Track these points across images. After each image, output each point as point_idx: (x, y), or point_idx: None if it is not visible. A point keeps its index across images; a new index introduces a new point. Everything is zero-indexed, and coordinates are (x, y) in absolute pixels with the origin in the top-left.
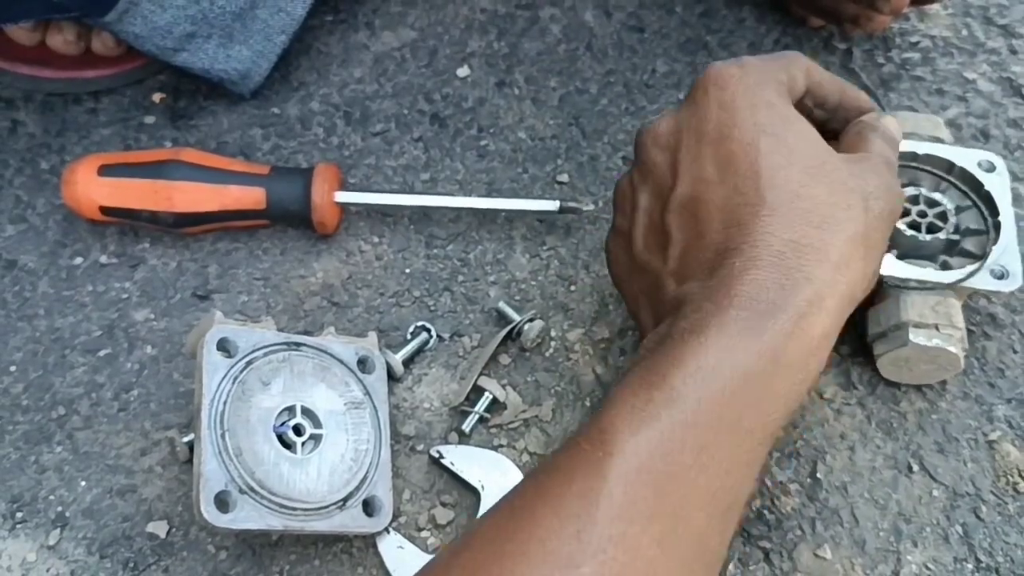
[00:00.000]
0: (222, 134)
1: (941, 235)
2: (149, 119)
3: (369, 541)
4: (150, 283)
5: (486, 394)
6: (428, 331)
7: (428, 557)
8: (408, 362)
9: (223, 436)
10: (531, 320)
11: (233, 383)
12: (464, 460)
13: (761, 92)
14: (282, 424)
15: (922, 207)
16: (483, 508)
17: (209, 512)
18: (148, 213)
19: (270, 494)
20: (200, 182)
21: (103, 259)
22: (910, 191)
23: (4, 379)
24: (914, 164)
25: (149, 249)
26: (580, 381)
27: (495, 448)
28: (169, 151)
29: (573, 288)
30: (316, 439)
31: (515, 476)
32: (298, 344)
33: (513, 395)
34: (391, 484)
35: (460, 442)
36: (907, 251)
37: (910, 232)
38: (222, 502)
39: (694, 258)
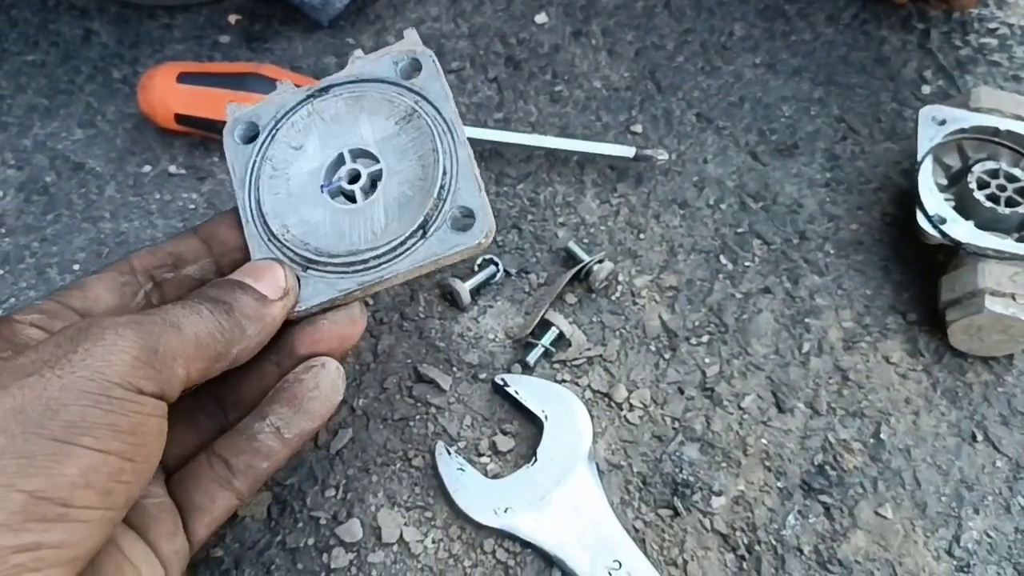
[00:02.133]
0: (296, 59)
1: (1020, 209)
2: (224, 39)
3: (428, 460)
4: (217, 196)
5: (552, 328)
6: (496, 264)
7: (488, 481)
8: (475, 292)
9: (265, 223)
10: (600, 261)
11: (261, 162)
12: (528, 389)
13: None
14: (336, 180)
15: (1001, 181)
16: (545, 437)
17: None
18: (223, 124)
19: (330, 257)
20: None
21: (171, 169)
22: (990, 165)
23: (67, 277)
24: (996, 139)
25: (218, 164)
26: (646, 326)
27: (559, 383)
28: (250, 64)
29: (642, 236)
30: (376, 176)
31: (579, 409)
32: (322, 89)
33: (578, 333)
34: (480, 185)
35: (523, 374)
36: (985, 222)
37: (989, 204)
38: None
39: None
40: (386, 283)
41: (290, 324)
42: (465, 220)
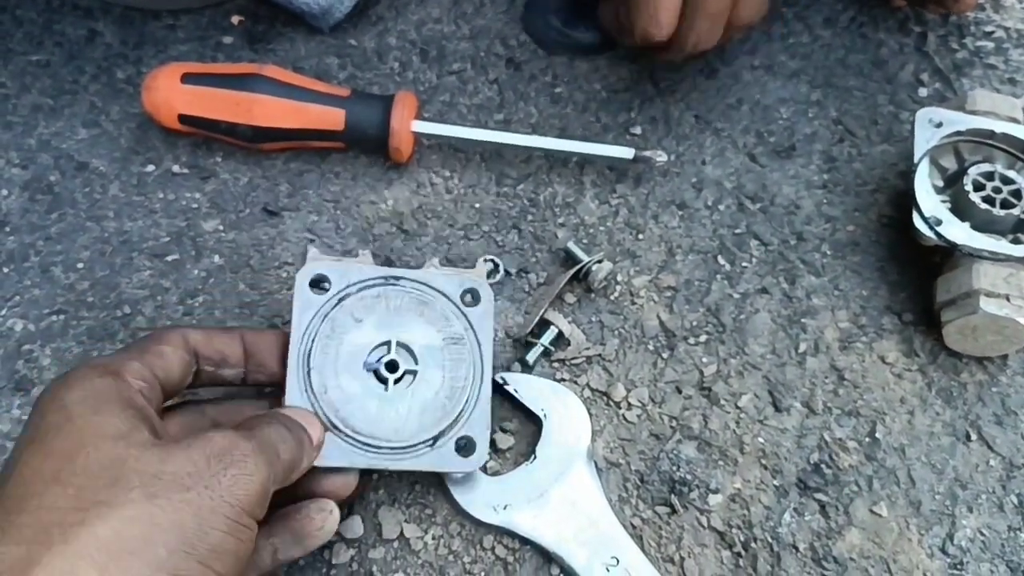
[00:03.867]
0: (299, 60)
1: (1015, 211)
2: (227, 40)
3: None
4: (221, 195)
5: (552, 328)
6: (495, 264)
7: (487, 479)
8: None
9: (308, 374)
10: (599, 262)
11: (323, 320)
12: (527, 388)
13: (67, 391)
14: (377, 360)
15: (997, 183)
16: (545, 435)
17: None
18: (226, 124)
19: (354, 432)
20: (281, 98)
21: (175, 168)
22: (985, 167)
23: (71, 275)
24: (991, 142)
25: (221, 163)
26: (644, 325)
27: (558, 382)
28: (253, 65)
29: (641, 236)
30: (412, 375)
31: (578, 408)
32: (397, 278)
33: (577, 332)
34: (488, 423)
35: (523, 372)
36: (980, 224)
37: (984, 206)
38: None
39: None
40: (388, 470)
41: None
42: (467, 448)
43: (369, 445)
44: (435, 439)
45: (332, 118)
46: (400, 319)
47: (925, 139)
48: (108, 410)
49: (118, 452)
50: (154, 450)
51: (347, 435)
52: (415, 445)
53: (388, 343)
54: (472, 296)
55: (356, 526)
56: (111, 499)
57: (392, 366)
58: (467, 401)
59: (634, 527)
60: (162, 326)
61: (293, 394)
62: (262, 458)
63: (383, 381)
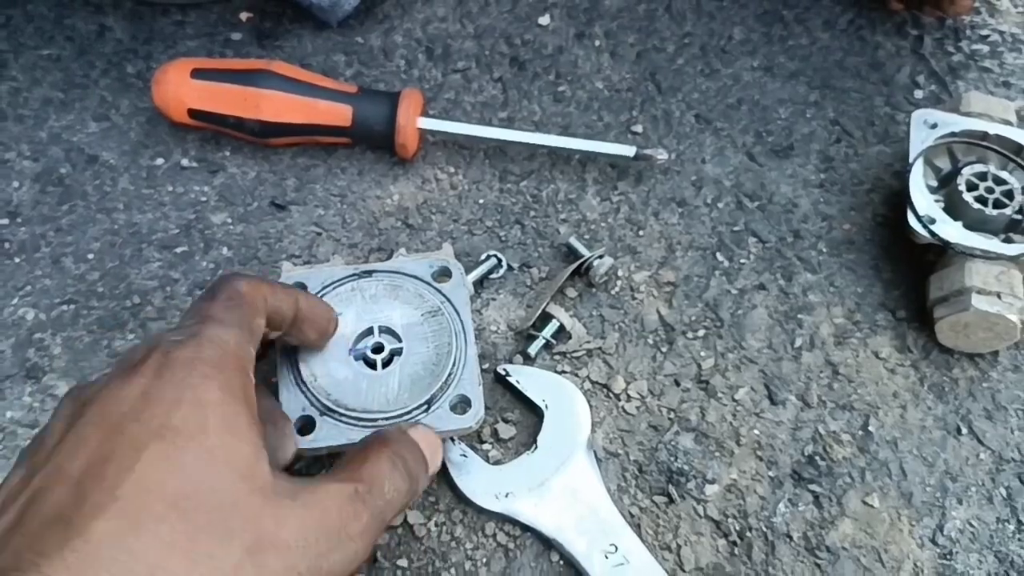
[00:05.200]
0: (306, 56)
1: (1007, 211)
2: (235, 36)
3: None
4: (229, 189)
5: (553, 321)
6: (498, 259)
7: (490, 467)
8: (477, 285)
9: (296, 367)
10: (601, 257)
11: None
12: (529, 380)
13: (205, 384)
14: (364, 347)
15: (990, 183)
16: (546, 426)
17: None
18: (235, 119)
19: (348, 410)
20: (289, 93)
21: (184, 162)
22: (979, 168)
23: (81, 266)
24: (985, 143)
25: (229, 157)
26: (644, 320)
27: (559, 374)
28: (261, 61)
29: (642, 233)
30: (397, 352)
31: (578, 399)
32: (369, 272)
33: (579, 326)
34: (479, 381)
35: (525, 364)
36: (973, 223)
37: (977, 205)
38: (303, 427)
39: None
40: None
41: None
42: (463, 405)
43: (364, 419)
44: (428, 403)
45: (339, 114)
46: (377, 306)
47: (920, 140)
48: (240, 430)
49: (237, 494)
50: (269, 505)
51: (341, 414)
52: (410, 411)
53: (371, 329)
54: (442, 272)
55: None
56: (214, 551)
57: (378, 348)
58: (454, 364)
59: (632, 516)
60: (234, 275)
61: (284, 388)
62: (371, 532)
63: (371, 365)
